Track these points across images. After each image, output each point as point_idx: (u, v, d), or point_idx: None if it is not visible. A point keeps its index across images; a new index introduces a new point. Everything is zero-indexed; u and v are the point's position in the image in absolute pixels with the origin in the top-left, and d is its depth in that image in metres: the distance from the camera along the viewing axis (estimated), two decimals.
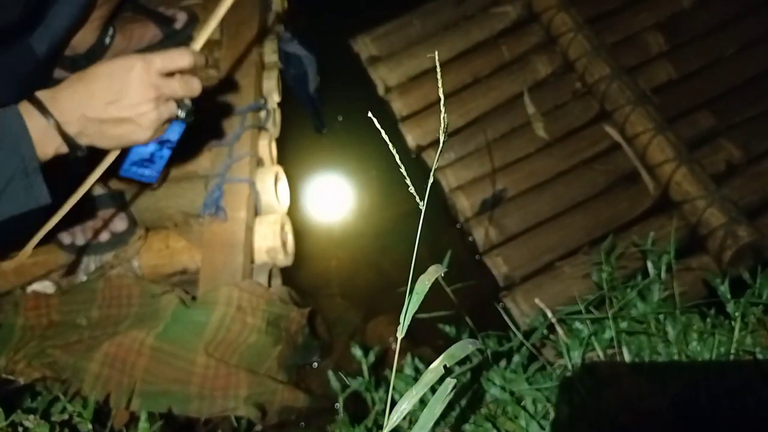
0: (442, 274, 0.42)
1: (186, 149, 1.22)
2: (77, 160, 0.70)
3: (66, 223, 1.08)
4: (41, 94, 0.65)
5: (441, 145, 0.38)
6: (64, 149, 0.67)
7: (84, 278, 1.08)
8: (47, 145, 0.65)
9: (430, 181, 0.37)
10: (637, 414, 0.68)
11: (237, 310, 0.96)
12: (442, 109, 0.37)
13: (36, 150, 0.64)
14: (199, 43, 0.73)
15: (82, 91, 0.66)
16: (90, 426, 0.78)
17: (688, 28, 1.49)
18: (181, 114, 0.72)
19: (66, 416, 0.79)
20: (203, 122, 1.22)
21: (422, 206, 0.37)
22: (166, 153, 0.86)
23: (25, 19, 0.82)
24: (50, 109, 0.65)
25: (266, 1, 1.45)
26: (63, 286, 1.08)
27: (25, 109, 0.64)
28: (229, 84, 1.26)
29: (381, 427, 0.74)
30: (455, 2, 1.55)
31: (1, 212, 0.64)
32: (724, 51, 1.46)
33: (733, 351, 0.76)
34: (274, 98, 1.31)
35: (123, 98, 0.66)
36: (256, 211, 1.14)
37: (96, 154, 0.73)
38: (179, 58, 0.69)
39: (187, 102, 0.73)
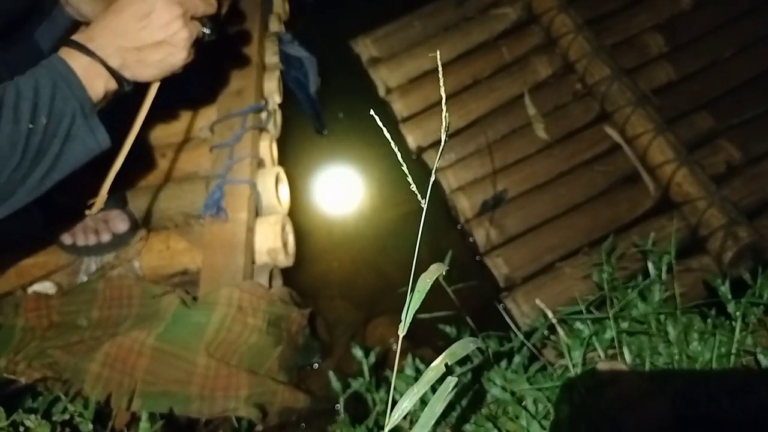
0: (443, 274, 0.42)
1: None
2: (125, 98, 0.71)
3: (67, 224, 1.09)
4: (77, 36, 0.66)
5: (442, 145, 0.38)
6: (112, 84, 0.68)
7: (85, 279, 1.08)
8: (96, 82, 0.66)
9: (432, 179, 0.37)
10: (637, 414, 0.68)
11: (238, 310, 0.96)
12: (444, 109, 0.37)
13: (87, 90, 0.65)
14: None
15: (114, 23, 0.67)
16: (91, 426, 0.78)
17: (687, 29, 1.49)
18: (207, 30, 0.73)
19: (67, 416, 0.79)
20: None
21: (424, 205, 0.37)
22: None
23: (29, 13, 0.82)
24: (89, 47, 0.65)
25: (267, 2, 1.46)
26: (64, 287, 1.08)
27: (66, 52, 0.65)
28: (230, 85, 1.26)
29: (382, 427, 0.74)
30: (455, 4, 1.55)
31: (73, 159, 0.66)
32: (723, 52, 1.46)
33: (733, 351, 0.76)
34: (275, 99, 1.32)
35: (153, 20, 0.67)
36: (256, 212, 1.14)
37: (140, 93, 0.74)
38: None
39: (209, 21, 0.74)
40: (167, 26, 0.67)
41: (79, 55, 0.65)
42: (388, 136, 0.34)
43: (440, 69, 0.37)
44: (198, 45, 0.73)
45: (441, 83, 0.36)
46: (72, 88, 0.64)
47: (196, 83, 1.30)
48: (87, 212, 0.82)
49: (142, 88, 0.74)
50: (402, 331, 0.39)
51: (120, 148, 0.77)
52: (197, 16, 0.71)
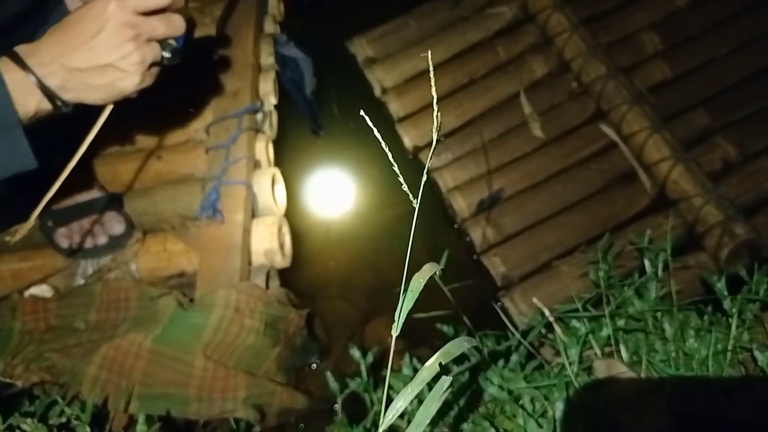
0: (439, 273, 0.42)
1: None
2: (67, 120, 0.66)
3: (63, 226, 1.08)
4: (21, 48, 0.62)
5: (434, 145, 0.38)
6: (45, 105, 0.63)
7: (82, 282, 1.08)
8: (27, 99, 0.62)
9: (424, 179, 0.37)
10: (634, 412, 0.68)
11: (235, 312, 0.96)
12: (435, 109, 0.37)
13: (15, 104, 0.61)
14: None
15: (61, 39, 0.62)
16: (88, 429, 0.78)
17: (683, 27, 1.49)
18: (166, 54, 0.67)
19: (64, 419, 0.79)
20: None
21: (416, 204, 0.37)
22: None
23: (32, 12, 0.81)
24: (28, 62, 0.61)
25: (262, 3, 1.46)
26: (61, 290, 1.07)
27: (4, 62, 0.61)
28: (225, 86, 1.26)
29: (379, 427, 0.74)
30: (451, 3, 1.55)
31: None
32: (719, 50, 1.46)
33: (730, 348, 0.76)
34: (271, 101, 1.32)
35: (100, 42, 0.61)
36: (253, 214, 1.14)
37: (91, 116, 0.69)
38: None
39: (172, 42, 0.68)
40: (115, 49, 0.62)
41: (15, 68, 0.61)
42: (378, 136, 0.34)
43: (432, 69, 0.37)
44: (159, 68, 0.68)
45: (432, 83, 0.36)
46: None
47: (191, 85, 1.30)
48: (8, 239, 0.77)
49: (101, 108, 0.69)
50: (395, 331, 0.39)
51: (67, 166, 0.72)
52: (155, 38, 0.66)
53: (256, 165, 1.21)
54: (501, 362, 0.85)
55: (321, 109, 1.49)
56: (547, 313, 0.87)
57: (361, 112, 0.37)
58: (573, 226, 1.27)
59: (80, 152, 0.72)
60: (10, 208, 0.70)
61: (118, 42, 0.62)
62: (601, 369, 0.76)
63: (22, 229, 0.74)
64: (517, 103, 1.42)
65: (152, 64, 0.67)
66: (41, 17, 0.84)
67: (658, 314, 0.83)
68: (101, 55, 0.62)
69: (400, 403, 0.39)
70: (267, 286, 1.07)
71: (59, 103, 0.64)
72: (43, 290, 1.07)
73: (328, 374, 0.91)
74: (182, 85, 1.32)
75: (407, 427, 0.73)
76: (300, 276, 1.22)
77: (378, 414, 0.85)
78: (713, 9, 1.51)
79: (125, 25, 0.62)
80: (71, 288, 1.07)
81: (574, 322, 0.84)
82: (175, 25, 0.66)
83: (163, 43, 0.67)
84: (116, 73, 0.64)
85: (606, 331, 0.81)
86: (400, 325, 0.39)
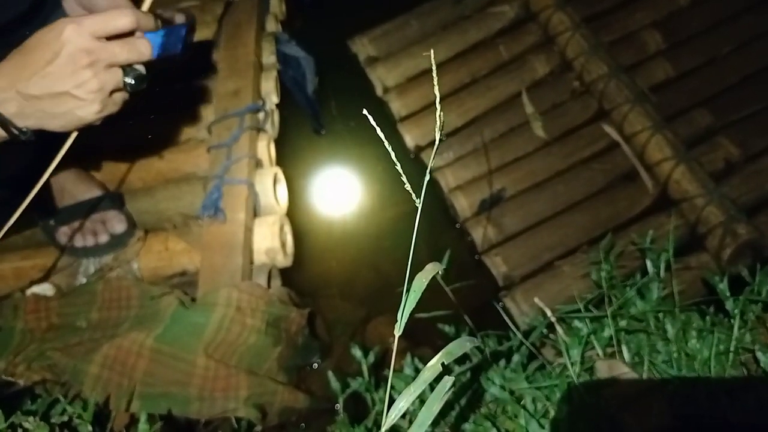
0: (441, 272, 0.42)
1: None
2: (27, 145, 0.64)
3: (65, 225, 1.08)
4: None
5: (436, 144, 0.38)
6: (0, 132, 0.61)
7: (83, 281, 1.08)
8: None
9: (427, 178, 0.37)
10: (636, 412, 0.68)
11: (236, 311, 0.96)
12: (438, 108, 0.37)
13: None
14: (147, 2, 0.67)
15: (18, 64, 0.59)
16: (90, 428, 0.78)
17: (685, 26, 1.49)
18: (129, 80, 0.63)
19: (66, 418, 0.79)
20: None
21: (419, 203, 0.37)
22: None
23: (30, 14, 0.81)
24: None
25: (264, 2, 1.46)
26: (63, 289, 1.08)
27: None
28: (227, 85, 1.26)
29: (381, 427, 0.74)
30: (453, 2, 1.55)
31: None
32: (721, 49, 1.46)
33: (732, 349, 0.75)
34: (273, 99, 1.32)
35: (54, 69, 0.58)
36: (255, 213, 1.14)
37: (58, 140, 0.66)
38: (117, 17, 0.60)
39: (138, 68, 0.64)
40: (71, 76, 0.59)
41: None
42: (381, 135, 0.34)
43: (434, 68, 0.37)
44: (126, 94, 0.65)
45: (435, 82, 0.36)
46: None
47: (193, 84, 1.30)
48: None
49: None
50: (398, 331, 0.39)
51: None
52: (117, 64, 0.62)
53: (258, 164, 1.21)
54: (503, 362, 0.85)
55: (322, 108, 1.49)
56: (548, 313, 0.87)
57: (364, 111, 0.37)
58: (575, 226, 1.27)
59: (44, 178, 0.69)
60: (9, 208, 0.70)
61: (73, 69, 0.59)
62: (603, 369, 0.76)
63: None
64: (518, 102, 1.41)
65: (115, 91, 0.63)
66: (38, 20, 0.84)
67: (660, 315, 0.83)
68: (56, 83, 0.59)
69: (402, 403, 0.39)
70: (268, 285, 1.07)
71: (15, 131, 0.62)
72: (44, 289, 1.07)
73: (330, 374, 0.91)
74: (184, 83, 1.32)
75: (409, 427, 0.73)
76: (301, 275, 1.22)
77: (379, 414, 0.85)
78: (715, 8, 1.50)
79: (81, 51, 0.59)
80: (73, 287, 1.07)
81: (576, 323, 0.84)
82: (139, 50, 0.62)
83: (126, 69, 0.63)
84: (73, 101, 0.61)
85: (608, 332, 0.81)
86: (403, 324, 0.39)
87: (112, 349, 0.93)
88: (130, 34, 0.63)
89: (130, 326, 0.98)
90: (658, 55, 1.45)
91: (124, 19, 0.60)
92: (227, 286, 0.99)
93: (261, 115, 1.25)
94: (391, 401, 0.40)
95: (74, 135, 0.67)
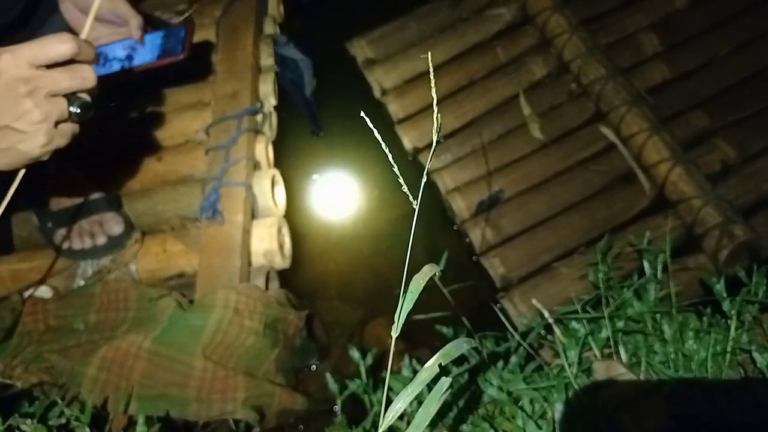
0: (438, 274, 0.42)
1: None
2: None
3: (62, 227, 1.08)
4: None
5: (434, 146, 0.38)
6: None
7: (81, 283, 1.08)
8: None
9: (424, 180, 0.38)
10: (633, 413, 0.68)
11: (234, 313, 0.96)
12: (435, 110, 0.37)
13: None
14: (85, 30, 0.64)
15: None
16: (87, 430, 0.78)
17: (682, 28, 1.50)
18: (74, 109, 0.60)
19: (63, 420, 0.79)
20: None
21: (416, 205, 0.37)
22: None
23: (24, 19, 0.81)
24: None
25: (262, 4, 1.46)
26: (60, 291, 1.07)
27: None
28: (225, 87, 1.26)
29: (379, 428, 0.74)
30: (450, 5, 1.56)
31: None
32: (718, 51, 1.46)
33: (729, 349, 0.76)
34: (271, 102, 1.32)
35: None
36: (253, 215, 1.14)
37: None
38: (56, 44, 0.56)
39: (83, 96, 0.61)
40: (10, 108, 0.55)
41: None
42: (378, 137, 0.34)
43: (431, 70, 0.37)
44: (75, 125, 0.61)
45: (432, 84, 0.36)
46: None
47: (190, 86, 1.30)
48: None
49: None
50: (395, 333, 0.39)
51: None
52: (60, 92, 0.58)
53: (256, 166, 1.21)
54: (500, 363, 0.85)
55: (320, 110, 1.49)
56: (546, 314, 0.87)
57: (361, 114, 0.37)
58: (572, 227, 1.27)
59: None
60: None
61: (11, 100, 0.55)
62: (601, 370, 0.76)
63: None
64: (516, 104, 1.42)
65: (61, 122, 0.59)
66: (27, 30, 0.83)
67: (658, 316, 0.83)
68: None
69: (399, 405, 0.39)
70: (266, 287, 1.07)
71: None
72: (42, 291, 1.07)
73: (328, 375, 0.91)
74: (182, 86, 1.32)
75: (407, 428, 0.73)
76: (299, 277, 1.22)
77: (377, 415, 0.85)
78: (712, 10, 1.51)
79: (17, 80, 0.55)
80: (71, 289, 1.07)
81: (574, 324, 0.84)
82: (83, 76, 0.58)
83: (70, 97, 0.60)
84: (15, 135, 0.57)
85: (605, 333, 0.81)
86: (400, 326, 0.39)
87: (110, 351, 0.92)
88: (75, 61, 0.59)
89: (128, 328, 0.98)
90: (655, 57, 1.46)
91: (62, 46, 0.57)
92: (225, 288, 0.99)
93: (259, 117, 1.25)
94: (389, 402, 0.40)
95: (22, 173, 0.63)
